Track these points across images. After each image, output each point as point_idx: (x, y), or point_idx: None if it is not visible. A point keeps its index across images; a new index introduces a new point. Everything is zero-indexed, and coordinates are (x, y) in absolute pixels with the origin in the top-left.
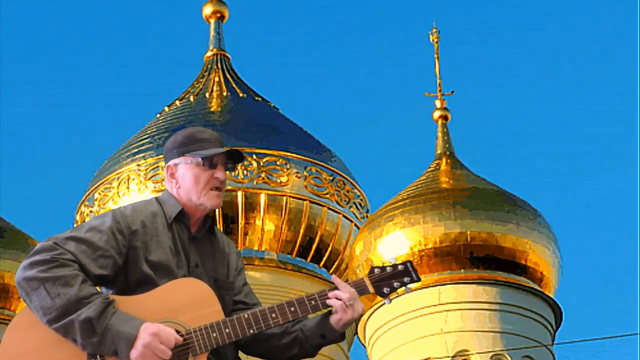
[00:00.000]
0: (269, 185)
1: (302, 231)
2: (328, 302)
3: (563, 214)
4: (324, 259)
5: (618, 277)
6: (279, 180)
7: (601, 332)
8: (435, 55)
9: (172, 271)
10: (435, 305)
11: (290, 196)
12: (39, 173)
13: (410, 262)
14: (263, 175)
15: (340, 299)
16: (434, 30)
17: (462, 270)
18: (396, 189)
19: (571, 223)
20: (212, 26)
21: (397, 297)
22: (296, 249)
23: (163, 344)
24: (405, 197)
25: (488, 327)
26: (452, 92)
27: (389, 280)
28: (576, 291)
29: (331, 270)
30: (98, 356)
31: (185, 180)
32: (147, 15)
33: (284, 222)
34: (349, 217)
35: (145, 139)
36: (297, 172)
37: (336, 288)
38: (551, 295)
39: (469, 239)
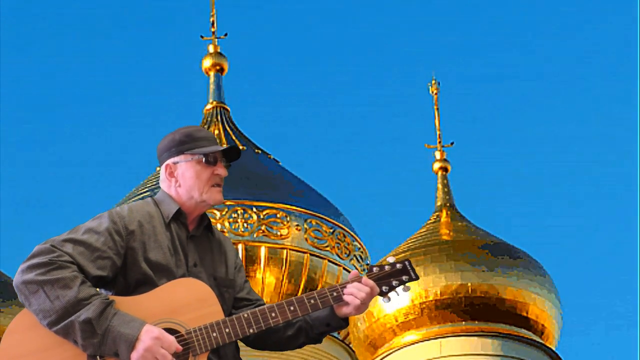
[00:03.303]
0: (269, 238)
1: (302, 284)
2: (345, 297)
3: (564, 265)
4: None
5: (619, 329)
6: (279, 233)
7: None
8: (435, 107)
9: (171, 271)
10: (437, 358)
11: (290, 249)
12: (37, 226)
13: (409, 261)
14: (263, 228)
15: (358, 298)
16: (434, 81)
17: (464, 323)
18: (397, 241)
19: (572, 275)
20: (212, 79)
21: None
22: None
23: (164, 349)
24: (405, 249)
25: None
26: (452, 143)
27: (387, 279)
28: (578, 343)
29: None
30: (98, 357)
31: (186, 178)
32: (146, 68)
33: (285, 275)
34: (349, 269)
35: (146, 192)
36: (297, 225)
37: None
38: (553, 347)
39: (470, 291)
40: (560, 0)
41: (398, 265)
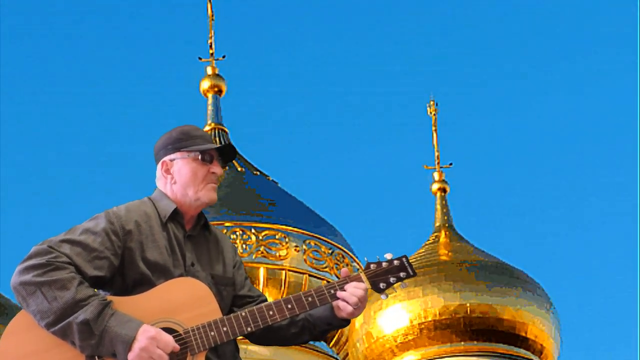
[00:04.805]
0: (268, 259)
1: None
2: (337, 302)
3: (563, 286)
4: None
5: (619, 349)
6: (277, 254)
7: None
8: (433, 128)
9: (169, 271)
10: None
11: (289, 270)
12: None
13: (406, 257)
14: (262, 249)
15: (350, 304)
16: (432, 102)
17: (462, 343)
18: None
19: (572, 295)
20: (210, 100)
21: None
22: None
23: (160, 349)
24: None
25: None
26: (451, 164)
27: (385, 276)
28: None
29: (331, 344)
30: (96, 357)
31: (181, 175)
32: (144, 89)
33: (284, 296)
34: None
35: None
36: (296, 246)
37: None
38: None
39: (468, 311)
40: (560, 22)
41: (395, 262)
